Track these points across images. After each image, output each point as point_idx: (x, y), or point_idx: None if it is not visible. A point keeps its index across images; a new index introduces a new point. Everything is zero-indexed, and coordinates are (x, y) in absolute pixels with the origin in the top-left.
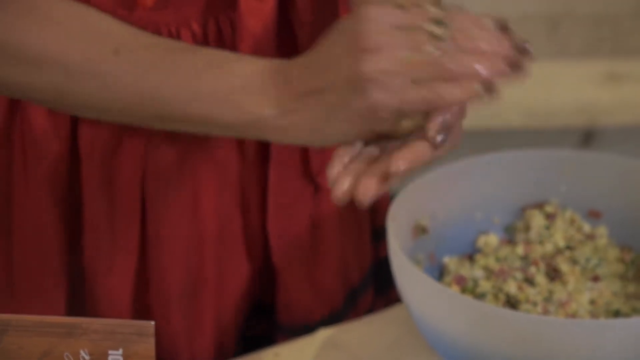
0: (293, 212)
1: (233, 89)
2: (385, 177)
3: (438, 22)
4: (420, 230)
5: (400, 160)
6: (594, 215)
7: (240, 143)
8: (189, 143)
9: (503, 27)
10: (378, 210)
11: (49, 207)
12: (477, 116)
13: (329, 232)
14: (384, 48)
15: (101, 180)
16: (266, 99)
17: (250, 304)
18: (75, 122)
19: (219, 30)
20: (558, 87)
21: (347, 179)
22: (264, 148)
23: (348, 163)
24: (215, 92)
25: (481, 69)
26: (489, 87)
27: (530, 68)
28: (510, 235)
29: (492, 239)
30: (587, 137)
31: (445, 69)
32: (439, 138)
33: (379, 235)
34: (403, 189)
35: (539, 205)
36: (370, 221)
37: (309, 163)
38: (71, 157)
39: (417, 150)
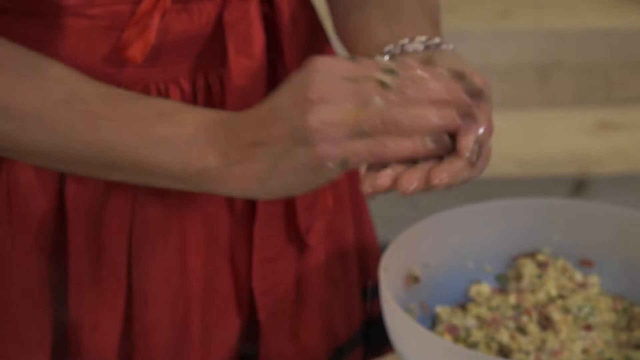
0: (278, 268)
1: (180, 139)
2: (427, 181)
3: (388, 71)
4: (412, 280)
5: (444, 173)
6: (585, 264)
7: (230, 199)
8: (177, 198)
9: (458, 76)
10: (369, 269)
11: (34, 262)
12: None
13: (315, 289)
14: (330, 99)
15: (87, 235)
16: (211, 150)
17: (237, 358)
18: (62, 178)
19: (208, 88)
20: (549, 137)
21: (387, 174)
22: (251, 204)
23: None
24: (163, 142)
25: (429, 118)
26: (438, 139)
27: (490, 114)
28: (502, 284)
29: (484, 288)
30: (579, 186)
31: (391, 122)
32: (473, 157)
33: (371, 293)
34: (395, 239)
35: (531, 254)
36: (361, 280)
37: (296, 220)
38: (58, 213)
39: (456, 166)
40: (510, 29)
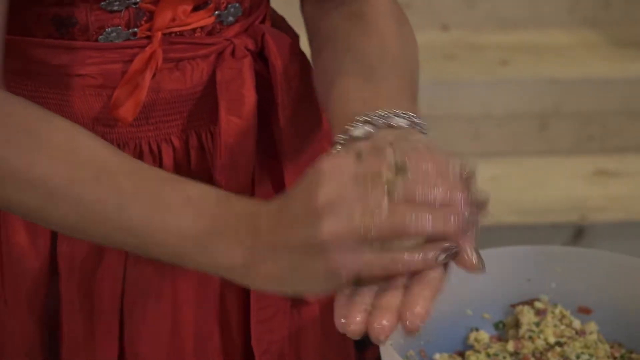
0: (274, 326)
1: (207, 231)
2: (401, 314)
3: (399, 168)
4: None
5: (418, 307)
6: (584, 312)
7: None
8: None
9: (467, 176)
10: None
11: (27, 323)
12: None
13: (311, 343)
14: (338, 206)
15: (80, 295)
16: (238, 246)
17: None
18: (54, 239)
19: (201, 145)
20: (548, 184)
21: (357, 315)
22: None
23: (353, 297)
24: (190, 232)
25: (433, 224)
26: (450, 252)
27: (486, 207)
28: (500, 332)
29: (482, 336)
30: (578, 234)
31: (396, 231)
32: (475, 260)
33: (364, 343)
34: None
35: (529, 302)
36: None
37: None
38: (50, 274)
39: (434, 283)
40: (509, 77)
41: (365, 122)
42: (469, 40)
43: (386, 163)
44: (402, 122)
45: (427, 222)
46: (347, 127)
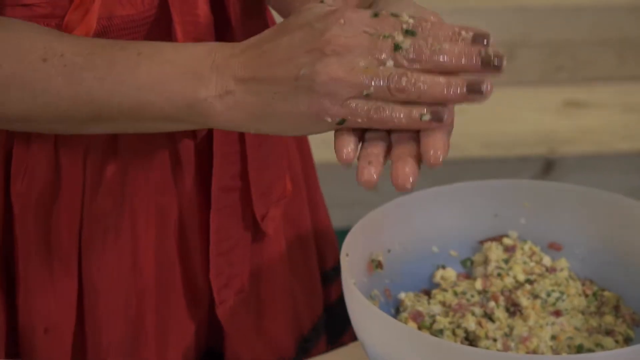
0: (234, 260)
1: (168, 76)
2: (423, 154)
3: (409, 31)
4: (375, 266)
5: (439, 151)
6: (554, 248)
7: (180, 189)
8: (127, 190)
9: (480, 38)
10: (325, 253)
11: None
12: None
13: (277, 279)
14: (344, 53)
15: (36, 234)
16: (201, 81)
17: (199, 354)
18: (7, 175)
19: None
20: (516, 116)
21: (369, 167)
22: (204, 194)
23: (358, 147)
24: (148, 82)
25: (436, 90)
26: (437, 114)
27: (489, 90)
28: (468, 269)
29: (449, 273)
30: (547, 167)
31: (397, 89)
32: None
33: (328, 278)
34: (357, 223)
35: (498, 238)
36: (319, 265)
37: (252, 208)
38: (4, 212)
39: (442, 137)
40: (474, 5)
41: None
42: None
43: (399, 26)
44: None
45: (431, 93)
46: None
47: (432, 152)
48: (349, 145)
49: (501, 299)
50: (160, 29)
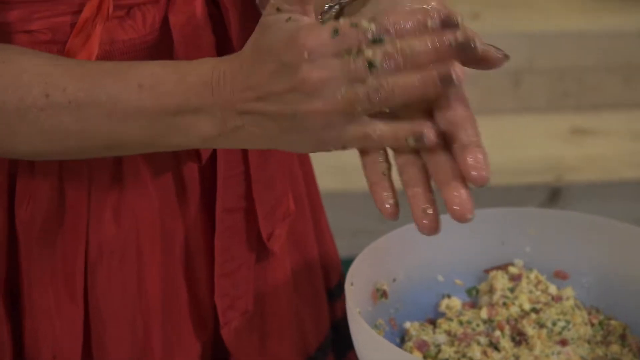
0: (239, 281)
1: (171, 112)
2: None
3: (375, 41)
4: (380, 294)
5: (481, 159)
6: (560, 276)
7: (185, 212)
8: (132, 214)
9: (448, 23)
10: (329, 271)
11: None
12: None
13: (283, 299)
14: (322, 87)
15: (41, 260)
16: (208, 119)
17: None
18: (11, 198)
19: None
20: (522, 143)
21: (427, 216)
22: (209, 216)
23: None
24: (157, 117)
25: (413, 88)
26: (419, 139)
27: (461, 77)
28: (473, 298)
29: (454, 302)
30: (554, 195)
31: (379, 101)
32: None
33: (333, 295)
34: (362, 252)
35: (503, 267)
36: (325, 284)
37: (257, 228)
38: (8, 242)
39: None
40: (480, 31)
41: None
42: None
43: (364, 38)
44: None
45: (409, 93)
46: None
47: (473, 172)
48: (389, 201)
49: (507, 328)
50: (161, 51)
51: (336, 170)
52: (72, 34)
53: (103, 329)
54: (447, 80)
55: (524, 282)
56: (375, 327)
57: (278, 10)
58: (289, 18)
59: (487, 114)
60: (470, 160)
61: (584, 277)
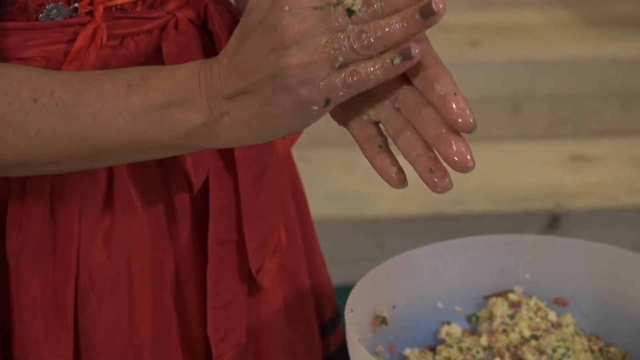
0: (232, 313)
1: (158, 106)
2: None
3: None
4: (379, 321)
5: (461, 103)
6: (560, 303)
7: (176, 242)
8: (122, 242)
9: None
10: (323, 304)
11: None
12: (438, 202)
13: (275, 332)
14: (302, 39)
15: (32, 289)
16: (193, 108)
17: None
18: (2, 226)
19: None
20: (521, 170)
21: (433, 175)
22: (200, 247)
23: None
24: (141, 114)
25: (396, 30)
26: (406, 54)
27: (442, 7)
28: (473, 325)
29: (454, 329)
30: (553, 222)
31: (363, 46)
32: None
33: (326, 329)
34: (362, 278)
35: (503, 293)
36: (317, 317)
37: (247, 261)
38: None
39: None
40: (479, 59)
41: None
42: None
43: None
44: None
45: (391, 34)
46: None
47: (459, 119)
48: (392, 169)
49: (507, 355)
50: None
51: (336, 198)
52: (66, 62)
53: (93, 357)
54: (427, 11)
55: (523, 309)
56: (375, 354)
57: None
58: None
59: (487, 141)
60: (451, 107)
61: (583, 304)
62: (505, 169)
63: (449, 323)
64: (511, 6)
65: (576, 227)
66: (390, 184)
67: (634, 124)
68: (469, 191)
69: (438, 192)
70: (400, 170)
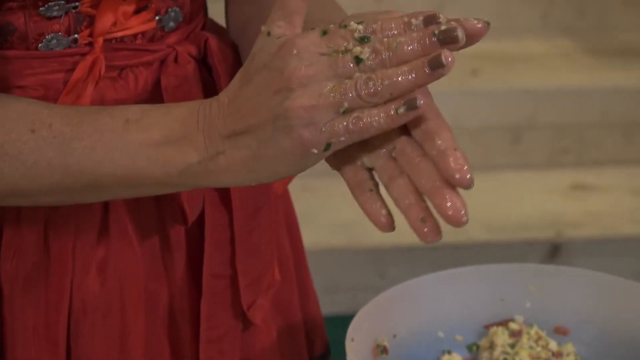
0: (224, 348)
1: (155, 142)
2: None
3: (362, 38)
4: (380, 351)
5: (461, 160)
6: (560, 332)
7: (170, 274)
8: (116, 273)
9: (431, 20)
10: (314, 340)
11: None
12: None
13: None
14: (308, 83)
15: (24, 313)
16: (189, 146)
17: None
18: None
19: None
20: (522, 199)
21: (424, 225)
22: (195, 279)
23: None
24: (137, 150)
25: (403, 80)
26: (411, 104)
27: (451, 61)
28: (474, 354)
29: (455, 359)
30: (554, 251)
31: (369, 94)
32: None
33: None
34: (362, 308)
35: (504, 323)
36: (308, 351)
37: (239, 297)
38: None
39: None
40: (480, 88)
41: None
42: None
43: (352, 36)
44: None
45: (399, 84)
46: None
47: (456, 175)
48: (381, 212)
49: None
50: None
51: (337, 227)
52: (64, 92)
53: None
54: (436, 63)
55: (524, 338)
56: None
57: (269, 34)
58: (279, 37)
59: (488, 170)
60: (450, 163)
61: (584, 333)
62: (506, 198)
63: (449, 352)
64: (512, 35)
65: (577, 256)
66: (378, 227)
67: (636, 154)
68: (469, 220)
69: (427, 242)
70: (388, 213)
